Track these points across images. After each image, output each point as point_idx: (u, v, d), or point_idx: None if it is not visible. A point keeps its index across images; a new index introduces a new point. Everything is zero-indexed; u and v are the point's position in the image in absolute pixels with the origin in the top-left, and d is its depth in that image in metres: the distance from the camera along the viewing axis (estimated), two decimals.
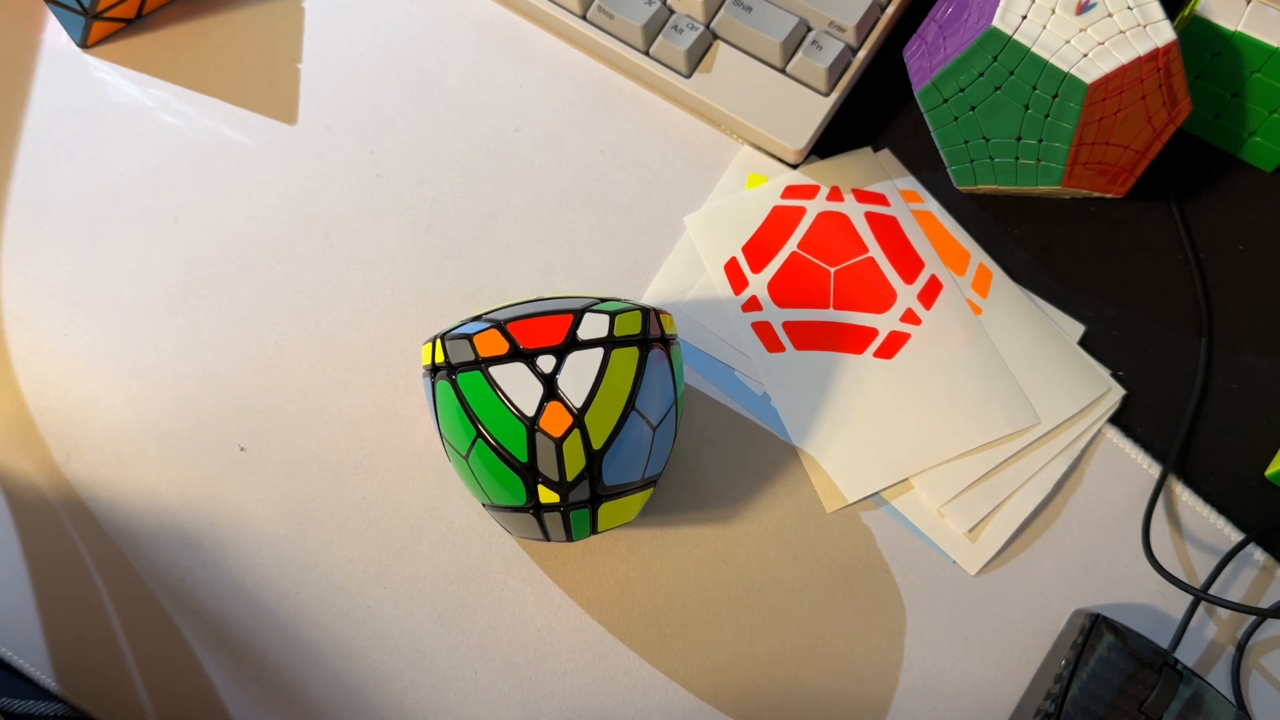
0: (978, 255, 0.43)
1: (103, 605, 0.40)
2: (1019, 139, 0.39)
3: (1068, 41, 0.36)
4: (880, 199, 0.44)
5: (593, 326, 0.34)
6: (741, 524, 0.40)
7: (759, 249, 0.44)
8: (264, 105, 0.46)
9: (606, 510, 0.35)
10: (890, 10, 0.44)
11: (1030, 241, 0.44)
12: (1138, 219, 0.44)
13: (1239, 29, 0.39)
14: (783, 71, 0.44)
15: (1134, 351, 0.42)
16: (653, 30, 0.44)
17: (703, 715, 0.38)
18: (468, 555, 0.40)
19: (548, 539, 0.36)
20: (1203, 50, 0.41)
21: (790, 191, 0.44)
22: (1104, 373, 0.42)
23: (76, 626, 0.40)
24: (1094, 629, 0.36)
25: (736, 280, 0.43)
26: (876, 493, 0.40)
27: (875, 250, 0.43)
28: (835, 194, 0.44)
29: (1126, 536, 0.40)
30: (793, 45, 0.44)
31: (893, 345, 0.42)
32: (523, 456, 0.34)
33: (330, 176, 0.45)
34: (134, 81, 0.46)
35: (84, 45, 0.47)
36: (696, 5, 0.44)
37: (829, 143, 0.45)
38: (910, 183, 0.45)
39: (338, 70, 0.46)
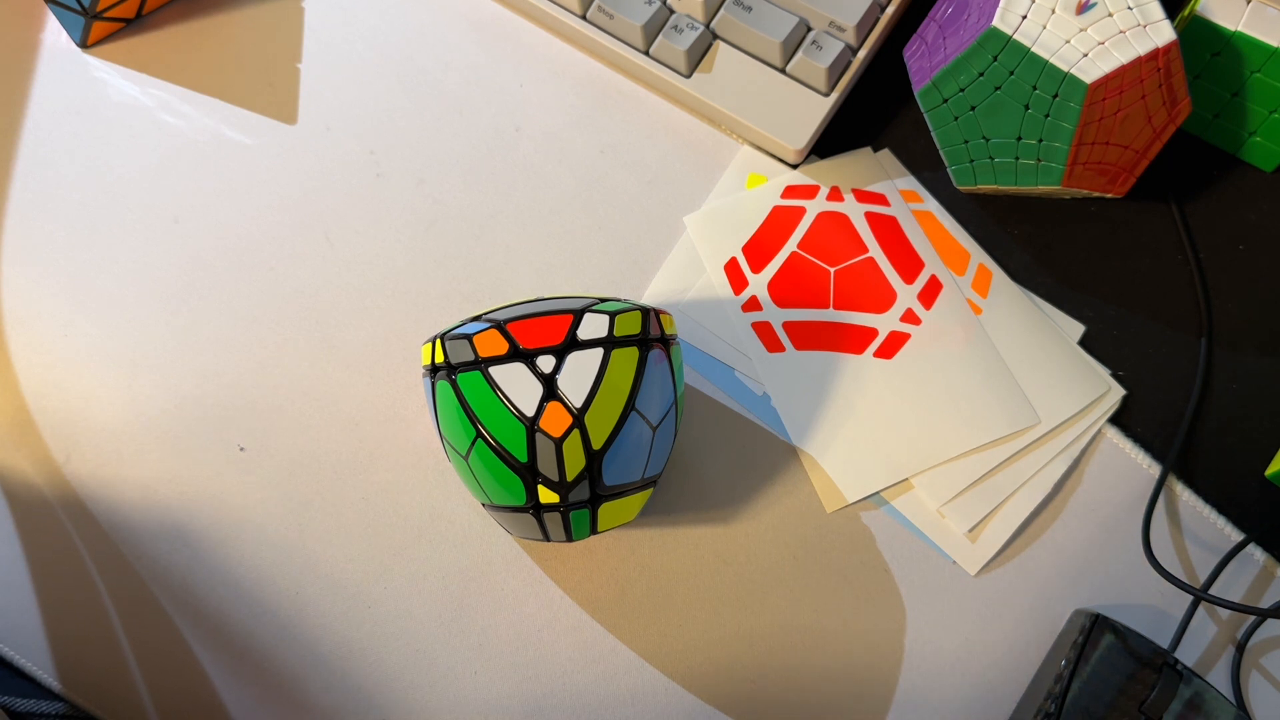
0: (978, 255, 0.43)
1: (103, 604, 0.40)
2: (1019, 139, 0.39)
3: (1068, 41, 0.36)
4: (880, 199, 0.44)
5: (593, 326, 0.34)
6: (741, 524, 0.40)
7: (759, 249, 0.44)
8: (264, 105, 0.46)
9: (606, 510, 0.35)
10: (890, 10, 0.44)
11: (1030, 241, 0.44)
12: (1138, 219, 0.44)
13: (1239, 29, 0.39)
14: (783, 71, 0.44)
15: (1134, 351, 0.42)
16: (653, 30, 0.44)
17: (703, 715, 0.38)
18: (468, 555, 0.40)
19: (548, 539, 0.36)
20: (1203, 50, 0.41)
21: (790, 191, 0.44)
22: (1104, 373, 0.42)
23: (77, 626, 0.40)
24: (1094, 629, 0.36)
25: (736, 280, 0.43)
26: (876, 493, 0.40)
27: (875, 250, 0.43)
28: (835, 194, 0.44)
29: (1126, 536, 0.40)
30: (793, 45, 0.44)
31: (893, 345, 0.42)
32: (522, 456, 0.34)
33: (330, 176, 0.45)
34: (134, 81, 0.46)
35: (84, 45, 0.47)
36: (696, 5, 0.44)
37: (829, 143, 0.45)
38: (910, 183, 0.45)
39: (338, 70, 0.46)
